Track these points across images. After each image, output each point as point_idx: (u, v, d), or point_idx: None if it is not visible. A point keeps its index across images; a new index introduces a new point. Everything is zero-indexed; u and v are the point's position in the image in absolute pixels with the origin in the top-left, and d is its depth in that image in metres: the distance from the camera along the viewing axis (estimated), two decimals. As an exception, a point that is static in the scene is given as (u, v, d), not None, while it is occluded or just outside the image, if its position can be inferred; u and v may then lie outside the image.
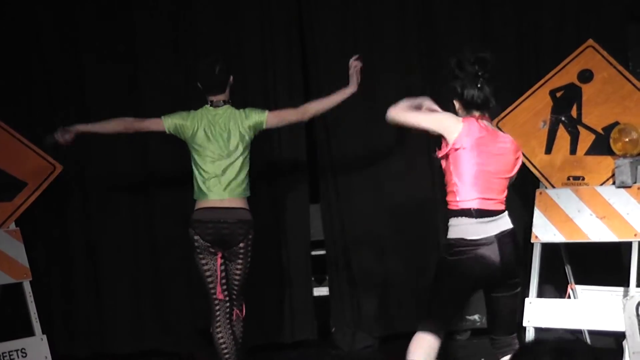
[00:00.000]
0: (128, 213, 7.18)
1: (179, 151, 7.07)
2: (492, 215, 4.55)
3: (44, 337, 6.23)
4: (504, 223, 4.60)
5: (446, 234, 4.64)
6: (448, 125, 4.59)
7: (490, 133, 4.64)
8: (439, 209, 6.66)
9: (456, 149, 4.54)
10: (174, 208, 7.14)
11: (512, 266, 4.55)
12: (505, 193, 4.68)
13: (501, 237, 4.54)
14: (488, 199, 4.57)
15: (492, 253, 4.49)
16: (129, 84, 7.18)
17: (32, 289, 6.31)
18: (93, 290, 7.12)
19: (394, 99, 7.00)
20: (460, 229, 4.53)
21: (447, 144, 4.57)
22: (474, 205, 4.54)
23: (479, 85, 4.57)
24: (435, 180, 6.86)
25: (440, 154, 4.62)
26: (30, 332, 6.24)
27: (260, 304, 6.83)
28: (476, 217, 4.52)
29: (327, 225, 7.34)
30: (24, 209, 6.38)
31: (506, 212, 4.63)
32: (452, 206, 4.60)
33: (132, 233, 7.18)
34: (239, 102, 6.95)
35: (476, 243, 4.49)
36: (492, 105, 4.66)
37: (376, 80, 7.17)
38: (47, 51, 7.05)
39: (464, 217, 4.53)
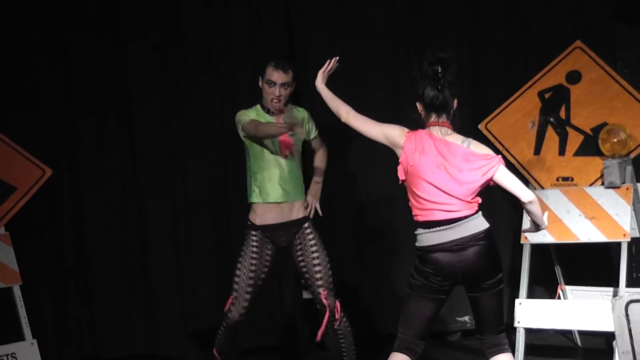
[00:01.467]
0: (119, 217, 7.17)
1: (167, 154, 7.16)
2: (443, 225, 4.48)
3: (35, 341, 6.22)
4: (465, 229, 4.49)
5: None
6: (393, 141, 4.55)
7: (438, 142, 4.49)
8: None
9: (404, 166, 4.50)
10: (165, 212, 7.19)
11: (479, 268, 4.48)
12: (470, 199, 4.50)
13: (459, 242, 4.46)
14: (439, 210, 4.49)
15: (445, 258, 4.46)
16: (118, 86, 7.16)
17: (22, 294, 6.29)
18: (83, 295, 7.11)
19: (382, 99, 7.15)
20: (417, 238, 4.52)
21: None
22: (421, 218, 4.50)
23: (438, 87, 4.45)
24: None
25: (399, 175, 4.55)
26: (20, 337, 6.22)
27: (250, 307, 6.81)
28: (425, 228, 4.48)
29: (317, 228, 7.32)
30: (14, 213, 6.35)
31: (471, 218, 4.49)
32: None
33: (122, 236, 7.18)
34: (229, 101, 7.01)
35: (430, 249, 4.47)
36: (450, 108, 4.54)
37: (364, 81, 7.24)
38: (35, 55, 7.02)
39: (419, 228, 4.52)
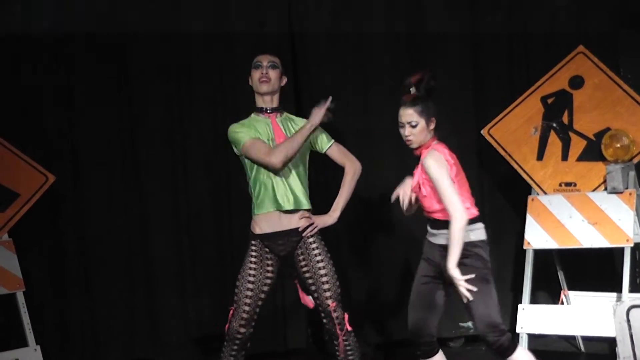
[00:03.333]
0: (121, 223, 7.18)
1: (170, 159, 7.19)
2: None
3: (38, 347, 6.25)
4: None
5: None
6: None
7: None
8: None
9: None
10: (168, 218, 7.20)
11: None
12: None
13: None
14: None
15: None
16: (118, 88, 7.18)
17: (25, 300, 6.32)
18: (86, 301, 7.12)
19: (384, 107, 7.14)
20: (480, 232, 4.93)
21: None
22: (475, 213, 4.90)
23: None
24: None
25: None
26: (23, 343, 6.24)
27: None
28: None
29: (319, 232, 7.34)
30: (17, 219, 6.38)
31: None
32: None
33: (125, 243, 7.19)
34: (231, 107, 7.02)
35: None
36: None
37: (366, 88, 7.27)
38: (36, 59, 7.05)
39: (477, 223, 4.92)
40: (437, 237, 4.94)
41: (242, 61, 5.86)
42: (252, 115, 5.51)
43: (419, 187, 4.93)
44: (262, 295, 5.44)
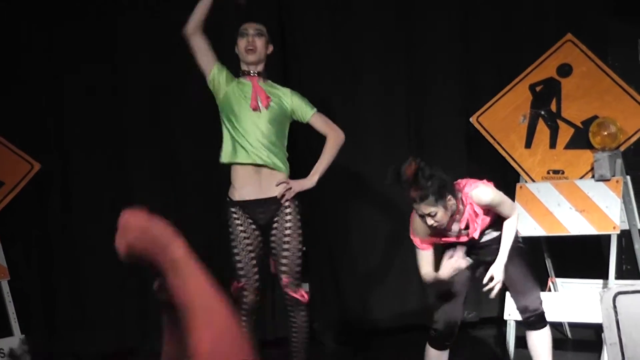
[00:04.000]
0: (108, 210, 7.06)
1: (159, 145, 7.18)
2: None
3: (23, 337, 6.23)
4: None
5: None
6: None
7: None
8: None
9: None
10: (156, 205, 7.08)
11: None
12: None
13: None
14: None
15: None
16: (106, 76, 7.16)
17: (11, 289, 6.30)
18: (73, 289, 7.11)
19: (374, 102, 7.16)
20: None
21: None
22: None
23: None
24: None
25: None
26: (8, 332, 6.23)
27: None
28: None
29: (307, 220, 7.34)
30: (1, 208, 6.34)
31: None
32: None
33: (112, 230, 7.01)
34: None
35: None
36: None
37: (356, 83, 7.27)
38: (22, 48, 7.01)
39: None
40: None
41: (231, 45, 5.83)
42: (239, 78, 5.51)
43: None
44: (261, 259, 5.44)
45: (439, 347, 5.09)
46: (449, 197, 4.64)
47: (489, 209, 4.83)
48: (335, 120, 7.03)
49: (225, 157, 5.43)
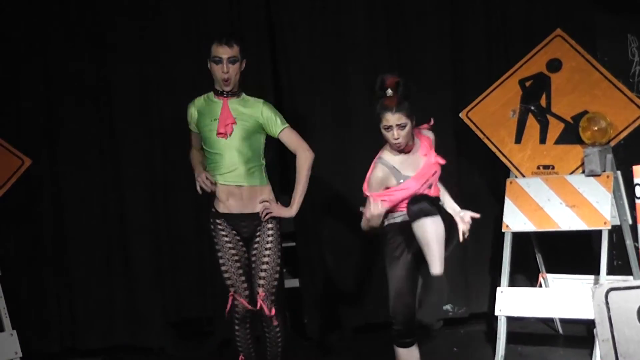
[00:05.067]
0: (99, 207, 7.18)
1: (147, 141, 7.18)
2: None
3: (14, 332, 6.18)
4: None
5: None
6: None
7: None
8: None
9: None
10: (145, 201, 7.18)
11: None
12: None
13: None
14: None
15: None
16: (96, 76, 7.16)
17: (2, 285, 6.26)
18: (63, 286, 7.11)
19: (364, 97, 7.15)
20: None
21: None
22: None
23: None
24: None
25: None
26: (0, 328, 6.21)
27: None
28: None
29: (297, 217, 7.34)
30: (-7, 203, 6.34)
31: None
32: None
33: (102, 227, 7.18)
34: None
35: None
36: None
37: (346, 79, 7.28)
38: (14, 44, 7.01)
39: None
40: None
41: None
42: (211, 93, 5.57)
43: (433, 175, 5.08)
44: (248, 270, 5.51)
45: (404, 344, 5.07)
46: (414, 118, 4.98)
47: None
48: (324, 121, 7.10)
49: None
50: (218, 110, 5.47)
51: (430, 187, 5.05)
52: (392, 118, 4.91)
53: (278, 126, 5.55)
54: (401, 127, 4.92)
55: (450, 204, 5.21)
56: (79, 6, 7.09)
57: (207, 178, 5.45)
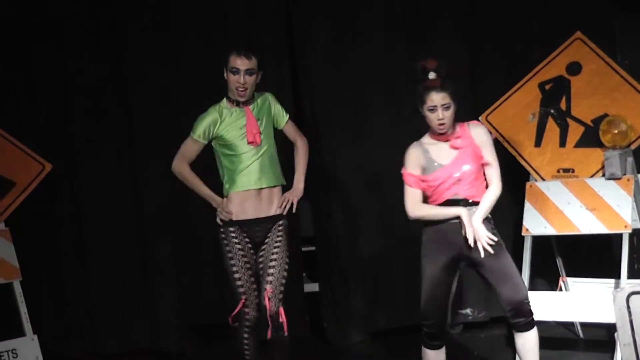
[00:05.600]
0: (117, 211, 7.21)
1: (166, 144, 7.03)
2: None
3: (35, 337, 6.25)
4: None
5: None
6: None
7: None
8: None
9: None
10: (165, 205, 7.21)
11: None
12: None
13: None
14: None
15: None
16: (113, 81, 7.22)
17: (22, 289, 6.32)
18: (83, 290, 7.16)
19: (381, 100, 7.16)
20: None
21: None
22: None
23: None
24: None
25: None
26: (21, 333, 6.24)
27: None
28: None
29: (317, 221, 7.39)
30: (13, 208, 6.39)
31: None
32: None
33: (121, 231, 7.21)
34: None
35: None
36: None
37: (363, 80, 7.28)
38: (32, 49, 7.06)
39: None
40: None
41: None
42: (224, 101, 5.59)
43: (462, 167, 5.06)
44: (259, 275, 5.54)
45: (433, 346, 5.11)
46: (456, 103, 5.01)
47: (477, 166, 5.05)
48: (344, 125, 7.11)
49: (229, 188, 5.56)
50: (242, 121, 5.52)
51: (459, 181, 5.02)
52: (436, 97, 4.94)
53: (284, 117, 5.71)
54: (445, 107, 4.96)
55: (479, 211, 5.08)
56: (97, 13, 7.16)
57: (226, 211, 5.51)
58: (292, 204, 5.61)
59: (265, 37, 7.28)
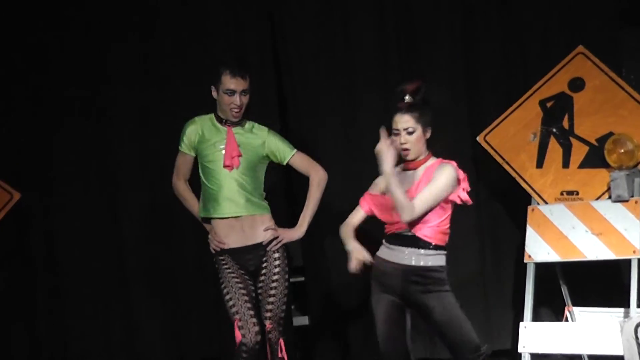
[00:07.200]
0: (94, 240, 7.24)
1: (144, 165, 7.26)
2: None
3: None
4: None
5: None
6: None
7: None
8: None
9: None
10: (145, 233, 7.22)
11: None
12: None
13: None
14: None
15: None
16: (90, 97, 7.27)
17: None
18: (58, 321, 7.21)
19: (375, 123, 7.06)
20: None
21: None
22: None
23: None
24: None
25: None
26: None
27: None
28: None
29: (306, 250, 7.32)
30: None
31: None
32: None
33: (99, 260, 7.24)
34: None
35: None
36: None
37: (356, 103, 7.28)
38: (4, 71, 7.12)
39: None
40: (405, 256, 4.93)
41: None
42: (212, 117, 5.60)
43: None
44: (256, 303, 5.52)
45: None
46: (429, 130, 4.95)
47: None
48: (336, 144, 7.05)
49: (203, 212, 5.61)
50: (223, 139, 5.51)
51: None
52: (399, 120, 4.90)
53: (287, 154, 5.65)
54: (408, 132, 4.89)
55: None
56: (74, 27, 7.23)
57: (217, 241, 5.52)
58: (280, 243, 5.56)
59: (250, 55, 7.28)
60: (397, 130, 4.90)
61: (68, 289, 7.17)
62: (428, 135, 4.96)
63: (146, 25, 7.30)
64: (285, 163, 5.66)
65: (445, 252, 4.96)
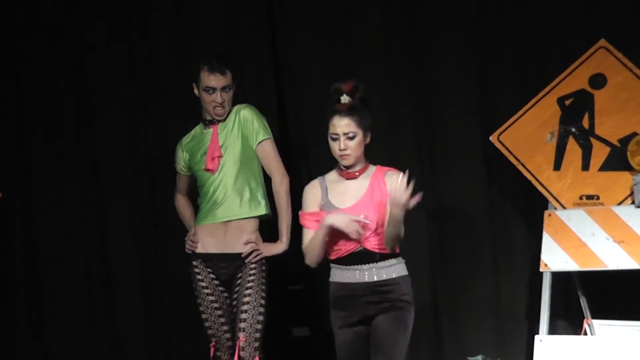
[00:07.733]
0: (78, 247, 7.26)
1: (131, 168, 7.30)
2: None
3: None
4: None
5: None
6: None
7: None
8: (427, 241, 6.85)
9: None
10: (131, 239, 7.21)
11: None
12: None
13: None
14: None
15: None
16: (76, 101, 7.29)
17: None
18: (39, 333, 7.24)
19: (382, 120, 7.00)
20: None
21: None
22: None
23: None
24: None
25: None
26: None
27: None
28: None
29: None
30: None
31: None
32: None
33: (83, 269, 7.24)
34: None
35: None
36: None
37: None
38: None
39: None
40: (369, 273, 4.79)
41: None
42: (200, 126, 5.59)
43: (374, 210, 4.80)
44: (233, 315, 5.42)
45: None
46: (369, 135, 4.84)
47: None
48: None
49: (197, 219, 5.62)
50: (207, 143, 5.46)
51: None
52: (339, 124, 4.75)
53: (258, 135, 5.49)
54: (349, 137, 4.74)
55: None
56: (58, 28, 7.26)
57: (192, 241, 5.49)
58: (259, 256, 5.44)
59: (247, 54, 7.24)
60: (336, 134, 4.78)
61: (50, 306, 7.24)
62: (368, 140, 4.86)
63: (142, 25, 7.30)
64: (255, 147, 5.48)
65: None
